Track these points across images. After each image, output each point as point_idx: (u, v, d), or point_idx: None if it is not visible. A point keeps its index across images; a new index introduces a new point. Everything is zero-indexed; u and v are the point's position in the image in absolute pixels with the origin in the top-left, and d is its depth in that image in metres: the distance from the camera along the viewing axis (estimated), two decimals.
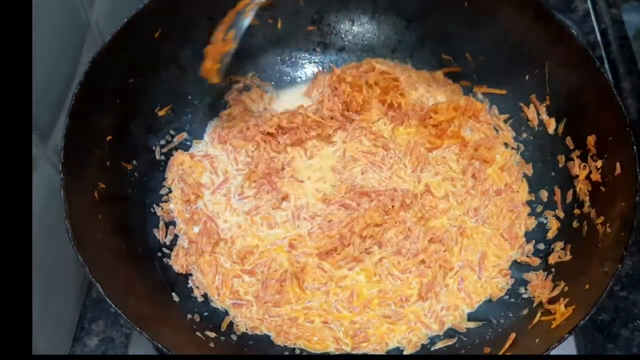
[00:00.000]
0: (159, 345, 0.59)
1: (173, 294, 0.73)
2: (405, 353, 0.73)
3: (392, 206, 0.81)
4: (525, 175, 0.86)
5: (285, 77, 0.97)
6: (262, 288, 0.76)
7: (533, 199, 0.84)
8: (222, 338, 0.71)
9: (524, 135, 0.88)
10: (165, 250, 0.78)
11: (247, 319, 0.75)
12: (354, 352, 0.73)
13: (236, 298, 0.76)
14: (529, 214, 0.83)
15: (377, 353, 0.73)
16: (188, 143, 0.89)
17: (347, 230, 0.79)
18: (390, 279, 0.77)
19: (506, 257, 0.80)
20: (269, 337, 0.74)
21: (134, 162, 0.80)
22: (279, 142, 0.88)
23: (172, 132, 0.87)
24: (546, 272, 0.75)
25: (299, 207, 0.83)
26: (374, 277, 0.78)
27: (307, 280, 0.77)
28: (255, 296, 0.76)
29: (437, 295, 0.76)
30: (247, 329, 0.74)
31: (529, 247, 0.80)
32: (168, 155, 0.86)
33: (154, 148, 0.84)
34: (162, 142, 0.86)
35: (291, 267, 0.78)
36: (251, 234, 0.81)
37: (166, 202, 0.83)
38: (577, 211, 0.77)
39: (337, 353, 0.73)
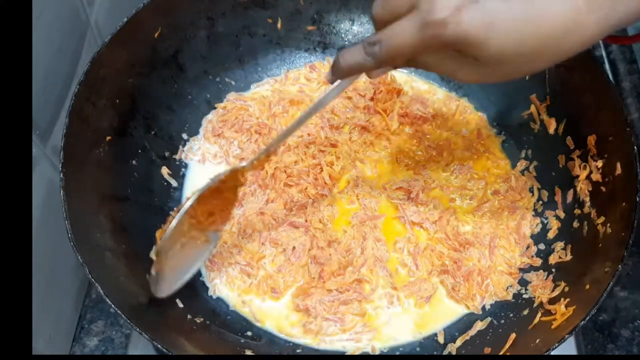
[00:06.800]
0: (159, 345, 0.59)
1: (173, 294, 0.73)
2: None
3: None
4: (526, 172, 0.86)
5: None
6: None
7: (535, 201, 0.83)
8: (223, 338, 0.71)
9: (525, 135, 0.88)
10: None
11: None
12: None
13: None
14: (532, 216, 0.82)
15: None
16: (187, 142, 0.88)
17: (317, 249, 0.76)
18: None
19: (514, 255, 0.78)
20: (271, 335, 0.73)
21: (134, 162, 0.80)
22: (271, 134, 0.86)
23: (171, 132, 0.87)
24: (546, 273, 0.75)
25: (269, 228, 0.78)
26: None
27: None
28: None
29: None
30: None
31: (532, 248, 0.79)
32: (168, 155, 0.86)
33: (153, 148, 0.84)
34: (162, 142, 0.86)
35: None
36: (244, 250, 0.78)
37: None
38: (577, 211, 0.77)
39: (338, 354, 0.73)
